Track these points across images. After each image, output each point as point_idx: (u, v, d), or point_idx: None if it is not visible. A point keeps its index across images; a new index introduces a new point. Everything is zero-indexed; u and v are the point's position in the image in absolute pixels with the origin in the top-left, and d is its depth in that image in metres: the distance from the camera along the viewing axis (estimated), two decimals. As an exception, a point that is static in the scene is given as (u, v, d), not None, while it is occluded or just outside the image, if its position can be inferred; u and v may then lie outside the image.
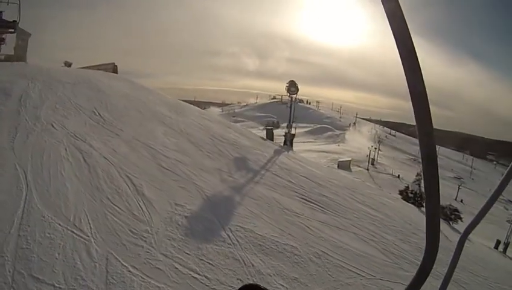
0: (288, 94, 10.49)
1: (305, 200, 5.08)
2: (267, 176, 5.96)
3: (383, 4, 0.26)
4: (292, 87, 10.09)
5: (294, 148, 9.88)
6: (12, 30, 8.39)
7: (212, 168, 5.68)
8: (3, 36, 12.31)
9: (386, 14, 0.26)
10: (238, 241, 3.57)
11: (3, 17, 9.07)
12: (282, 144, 9.32)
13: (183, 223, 3.84)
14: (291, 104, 10.29)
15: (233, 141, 7.48)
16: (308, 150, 13.81)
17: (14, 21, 7.85)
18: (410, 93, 0.27)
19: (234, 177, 5.55)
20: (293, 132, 9.96)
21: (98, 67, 17.54)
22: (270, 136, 9.92)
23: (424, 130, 0.27)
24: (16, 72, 10.89)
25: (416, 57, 0.27)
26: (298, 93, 10.40)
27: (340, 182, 6.77)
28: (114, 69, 17.96)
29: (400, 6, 0.26)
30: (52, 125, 6.41)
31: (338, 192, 5.86)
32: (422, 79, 0.27)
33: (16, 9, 7.02)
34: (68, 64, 18.92)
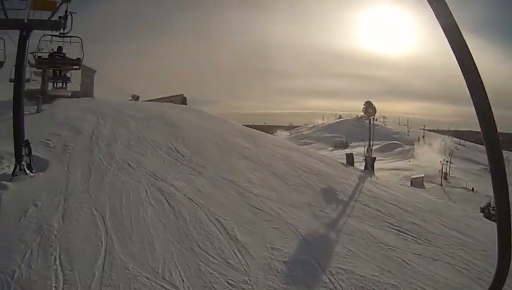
0: (366, 116, 18.18)
1: (397, 230, 8.45)
2: (356, 206, 9.81)
3: (438, 21, 1.00)
4: (369, 108, 16.82)
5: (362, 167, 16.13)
6: (77, 67, 14.74)
7: (302, 203, 9.40)
8: (69, 75, 21.82)
9: (443, 29, 1.03)
10: (340, 285, 5.89)
11: (66, 55, 16.59)
12: (363, 169, 15.47)
13: (282, 270, 6.20)
14: (370, 126, 18.47)
15: (317, 170, 12.71)
16: (380, 168, 20.39)
17: (78, 58, 14.44)
18: (476, 109, 1.07)
19: (326, 212, 9.12)
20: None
21: (166, 100, 29.34)
22: (350, 161, 16.61)
23: (491, 154, 1.10)
24: (85, 108, 18.81)
25: (478, 72, 1.02)
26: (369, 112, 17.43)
27: (426, 206, 10.96)
28: (183, 100, 30.09)
29: (455, 22, 1.01)
30: (129, 164, 10.99)
31: (425, 217, 9.61)
32: (486, 96, 1.03)
33: (79, 47, 12.99)
34: (136, 98, 32.46)
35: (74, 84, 24.61)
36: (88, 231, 7.28)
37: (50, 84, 24.11)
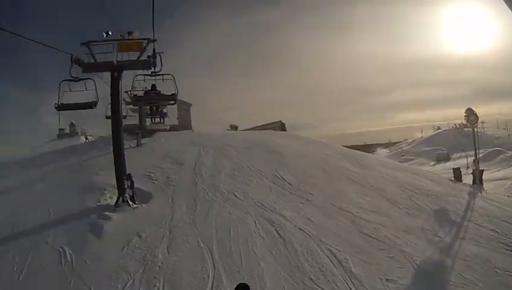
0: (468, 124, 20.09)
1: (514, 253, 8.96)
2: (470, 227, 10.31)
3: None
4: (471, 116, 18.42)
5: (467, 181, 17.44)
6: (173, 102, 16.44)
7: (415, 228, 9.95)
8: (165, 110, 23.91)
9: None
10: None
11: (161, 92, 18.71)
12: (471, 183, 16.52)
13: (398, 304, 6.97)
14: (474, 136, 19.10)
15: (426, 189, 13.48)
16: (486, 179, 19.63)
17: (172, 94, 14.47)
18: None
19: (439, 236, 9.65)
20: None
21: (265, 127, 31.49)
22: (458, 176, 18.05)
23: None
24: (184, 141, 20.35)
25: None
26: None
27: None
28: (282, 126, 31.87)
29: None
30: (235, 195, 11.70)
31: (544, 236, 10.07)
32: None
33: (172, 83, 14.42)
34: (234, 128, 35.03)
35: (172, 118, 27.07)
36: (194, 264, 7.90)
37: (148, 120, 26.75)
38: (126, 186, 11.72)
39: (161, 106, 21.91)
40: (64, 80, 11.49)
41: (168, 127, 26.56)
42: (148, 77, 12.74)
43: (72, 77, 11.56)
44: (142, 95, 16.22)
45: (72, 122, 50.98)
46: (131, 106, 24.08)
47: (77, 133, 49.84)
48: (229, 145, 18.59)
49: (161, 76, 12.52)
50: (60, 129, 51.66)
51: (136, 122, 25.14)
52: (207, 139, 20.74)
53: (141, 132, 22.42)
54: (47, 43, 10.89)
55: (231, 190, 11.93)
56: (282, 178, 13.16)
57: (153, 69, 12.25)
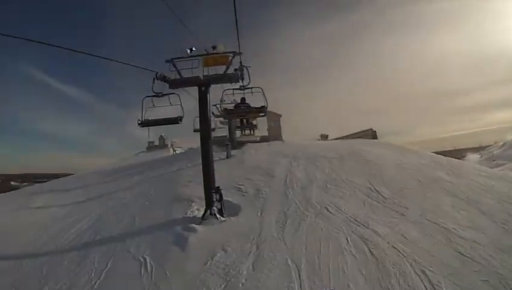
0: None
1: None
2: None
3: None
4: None
5: None
6: (263, 114, 15.98)
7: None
8: (255, 122, 23.97)
9: None
10: None
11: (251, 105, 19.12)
12: None
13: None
14: None
15: None
16: None
17: (262, 106, 14.38)
18: None
19: None
20: None
21: (356, 136, 31.18)
22: None
23: None
24: (275, 152, 20.03)
25: None
26: None
27: None
28: (373, 135, 30.98)
29: None
30: (327, 209, 11.02)
31: None
32: None
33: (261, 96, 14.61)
34: (324, 137, 34.85)
35: (261, 130, 27.08)
36: (280, 283, 7.32)
37: (238, 132, 27.05)
38: (214, 199, 11.48)
39: (251, 118, 22.18)
40: (147, 96, 11.51)
41: (258, 139, 26.69)
42: (237, 90, 12.95)
43: (155, 92, 11.51)
44: (232, 108, 16.64)
45: (161, 135, 53.42)
46: (220, 118, 24.86)
47: (167, 145, 51.94)
48: (320, 155, 18.09)
49: (250, 89, 12.55)
50: (149, 142, 54.47)
51: (226, 134, 25.64)
52: (298, 149, 20.43)
53: (231, 143, 22.64)
54: (131, 62, 10.72)
55: (323, 203, 11.33)
56: (376, 190, 12.40)
57: (241, 83, 12.12)
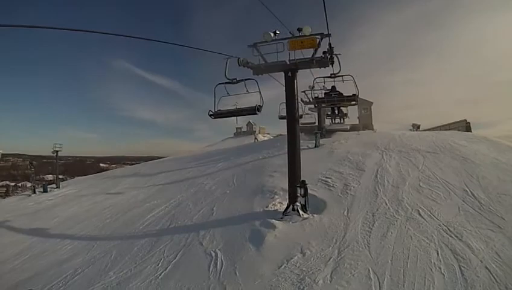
0: None
1: None
2: None
3: None
4: None
5: None
6: (354, 102, 15.96)
7: None
8: (345, 110, 23.58)
9: None
10: None
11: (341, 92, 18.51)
12: None
13: None
14: None
15: None
16: None
17: (353, 94, 14.52)
18: None
19: None
20: None
21: (448, 127, 30.00)
22: None
23: None
24: (365, 142, 19.23)
25: None
26: None
27: None
28: (467, 126, 28.80)
29: None
30: (419, 213, 10.13)
31: None
32: None
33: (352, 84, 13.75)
34: (416, 127, 33.79)
35: (351, 118, 26.24)
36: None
37: (327, 120, 26.46)
38: (299, 194, 11.04)
39: (342, 106, 21.19)
40: (220, 84, 10.45)
41: (348, 127, 25.90)
42: (327, 78, 12.42)
43: (228, 79, 10.41)
44: (323, 97, 16.28)
45: (249, 122, 53.97)
46: (310, 105, 24.39)
47: (255, 131, 52.27)
48: (413, 149, 17.04)
49: (341, 77, 12.05)
50: (237, 128, 55.20)
51: (314, 120, 25.01)
52: (390, 140, 19.54)
53: (320, 132, 22.16)
54: (211, 49, 10.38)
55: (415, 205, 10.42)
56: (472, 194, 11.12)
57: (331, 68, 11.70)
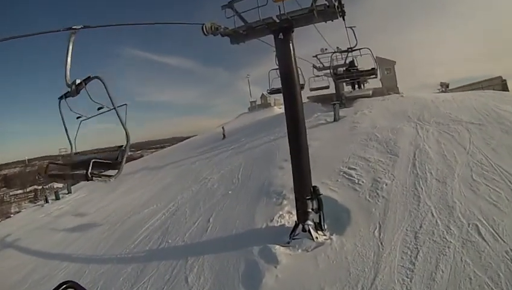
0: None
1: None
2: None
3: None
4: None
5: None
6: (374, 76, 15.13)
7: None
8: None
9: None
10: None
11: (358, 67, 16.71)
12: None
13: None
14: None
15: None
16: None
17: (372, 68, 14.10)
18: None
19: None
20: None
21: (481, 85, 25.96)
22: None
23: None
24: (393, 111, 15.94)
25: None
26: None
27: None
28: (503, 85, 25.00)
29: None
30: (478, 230, 6.91)
31: None
32: None
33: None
34: (445, 86, 29.74)
35: (373, 81, 22.81)
36: None
37: (346, 87, 23.44)
38: (311, 208, 8.01)
39: (362, 81, 19.99)
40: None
41: (371, 93, 22.35)
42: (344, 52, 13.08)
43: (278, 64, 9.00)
44: (342, 72, 16.07)
45: (263, 94, 50.30)
46: (325, 71, 22.02)
47: (269, 104, 48.82)
48: (454, 119, 13.62)
49: (358, 51, 12.14)
50: (251, 102, 51.83)
51: (326, 84, 22.14)
52: (422, 107, 16.24)
53: (339, 102, 18.97)
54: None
55: (472, 216, 7.21)
56: None
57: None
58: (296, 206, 8.18)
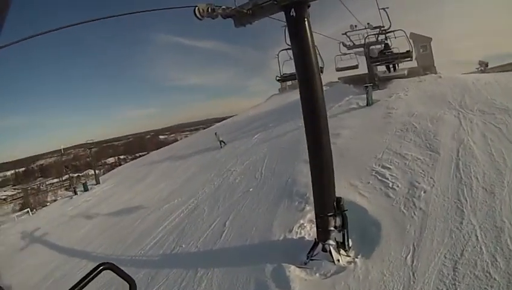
0: None
1: None
2: None
3: None
4: None
5: None
6: (409, 59, 14.21)
7: None
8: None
9: None
10: None
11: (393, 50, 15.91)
12: None
13: None
14: None
15: None
16: None
17: (407, 51, 13.30)
18: None
19: None
20: None
21: None
22: None
23: None
24: (431, 94, 14.47)
25: None
26: None
27: None
28: None
29: None
30: None
31: None
32: None
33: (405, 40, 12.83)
34: (484, 65, 27.95)
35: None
36: None
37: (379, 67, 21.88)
38: (334, 225, 6.82)
39: (397, 63, 17.95)
40: (282, 50, 10.36)
41: (406, 72, 20.54)
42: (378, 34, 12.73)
43: (289, 45, 8.15)
44: (377, 56, 15.26)
45: (293, 73, 48.55)
46: (356, 50, 20.52)
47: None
48: (500, 108, 11.95)
49: (392, 33, 11.62)
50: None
51: (355, 62, 20.12)
52: (463, 91, 14.63)
53: (372, 85, 17.48)
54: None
55: None
56: None
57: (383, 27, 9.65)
58: (316, 222, 7.01)
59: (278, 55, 10.68)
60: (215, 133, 22.90)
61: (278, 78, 11.10)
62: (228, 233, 9.38)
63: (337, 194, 7.08)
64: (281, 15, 6.75)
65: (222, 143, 21.88)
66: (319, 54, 7.53)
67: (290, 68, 9.97)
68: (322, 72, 9.82)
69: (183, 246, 9.90)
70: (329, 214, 6.76)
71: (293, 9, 6.47)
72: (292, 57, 7.07)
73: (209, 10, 6.00)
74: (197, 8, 5.80)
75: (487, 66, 28.14)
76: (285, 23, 6.91)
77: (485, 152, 9.24)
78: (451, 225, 6.85)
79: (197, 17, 5.87)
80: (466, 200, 7.47)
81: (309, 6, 6.57)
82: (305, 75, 6.73)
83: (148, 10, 5.58)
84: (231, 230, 9.48)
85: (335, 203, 6.87)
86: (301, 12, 6.48)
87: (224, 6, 6.36)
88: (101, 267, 1.91)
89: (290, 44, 7.10)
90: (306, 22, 6.53)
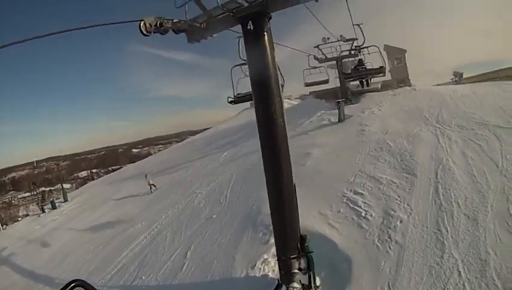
0: None
1: None
2: None
3: None
4: None
5: None
6: (382, 74, 14.00)
7: None
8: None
9: None
10: None
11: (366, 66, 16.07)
12: None
13: None
14: None
15: None
16: None
17: (381, 67, 13.29)
18: None
19: None
20: None
21: (495, 74, 23.87)
22: None
23: None
24: (407, 109, 14.20)
25: None
26: None
27: None
28: None
29: None
30: None
31: None
32: None
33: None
34: (459, 76, 27.57)
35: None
36: None
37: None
38: (297, 268, 5.84)
39: (370, 78, 18.36)
40: (235, 66, 8.12)
41: (380, 86, 20.01)
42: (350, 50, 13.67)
43: (243, 60, 7.41)
44: (350, 72, 15.59)
45: None
46: (327, 63, 19.36)
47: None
48: (479, 122, 11.42)
49: (366, 49, 11.97)
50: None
51: (325, 77, 19.21)
52: (440, 105, 14.22)
53: (344, 100, 16.81)
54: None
55: (509, 279, 5.36)
56: None
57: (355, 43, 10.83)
58: (279, 264, 6.03)
59: (231, 71, 8.38)
60: (146, 176, 19.68)
61: (230, 99, 8.34)
62: (189, 266, 8.74)
63: (306, 225, 6.31)
64: (239, 27, 5.78)
65: (153, 187, 18.83)
66: (279, 70, 6.59)
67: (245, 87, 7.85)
68: (282, 90, 8.38)
69: (143, 278, 9.33)
70: (292, 256, 5.78)
71: (250, 22, 5.57)
72: (248, 74, 6.06)
73: (157, 24, 4.96)
74: (143, 22, 4.87)
75: (462, 76, 27.94)
76: (241, 34, 5.92)
77: (466, 173, 8.59)
78: (430, 260, 6.16)
79: (143, 34, 4.92)
80: (447, 230, 6.78)
81: (270, 18, 5.65)
82: (262, 94, 5.76)
83: (92, 26, 4.57)
84: (192, 262, 8.82)
85: (299, 244, 5.89)
86: (260, 25, 5.59)
87: (175, 20, 5.44)
88: (73, 284, 2.22)
89: (245, 59, 6.43)
90: (265, 36, 5.63)
